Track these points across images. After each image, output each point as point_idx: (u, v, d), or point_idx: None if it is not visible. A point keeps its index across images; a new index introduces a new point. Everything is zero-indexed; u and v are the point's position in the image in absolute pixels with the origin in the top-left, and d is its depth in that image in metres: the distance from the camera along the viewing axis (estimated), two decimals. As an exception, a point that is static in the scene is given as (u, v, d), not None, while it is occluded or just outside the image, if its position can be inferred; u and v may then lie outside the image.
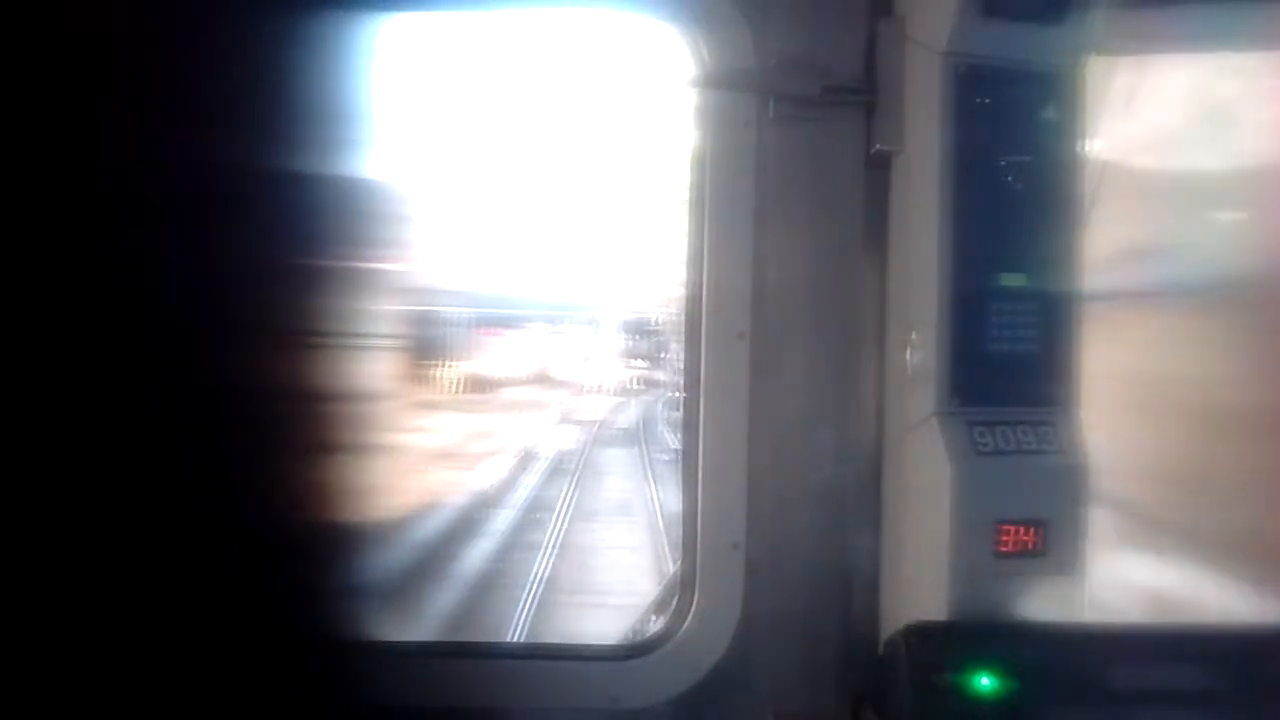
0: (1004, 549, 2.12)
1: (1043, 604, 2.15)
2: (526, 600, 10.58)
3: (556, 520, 14.06)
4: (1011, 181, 2.16)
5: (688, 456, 2.40)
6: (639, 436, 20.86)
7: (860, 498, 2.35)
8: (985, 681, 2.03)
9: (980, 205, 2.16)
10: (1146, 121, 2.62)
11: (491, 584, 11.27)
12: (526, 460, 17.86)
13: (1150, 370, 2.71)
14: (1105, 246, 2.38)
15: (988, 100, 2.16)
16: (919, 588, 2.17)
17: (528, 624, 9.69)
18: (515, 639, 9.06)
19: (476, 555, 12.26)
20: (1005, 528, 2.13)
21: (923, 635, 2.11)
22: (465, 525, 13.35)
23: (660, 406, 22.91)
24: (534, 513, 14.51)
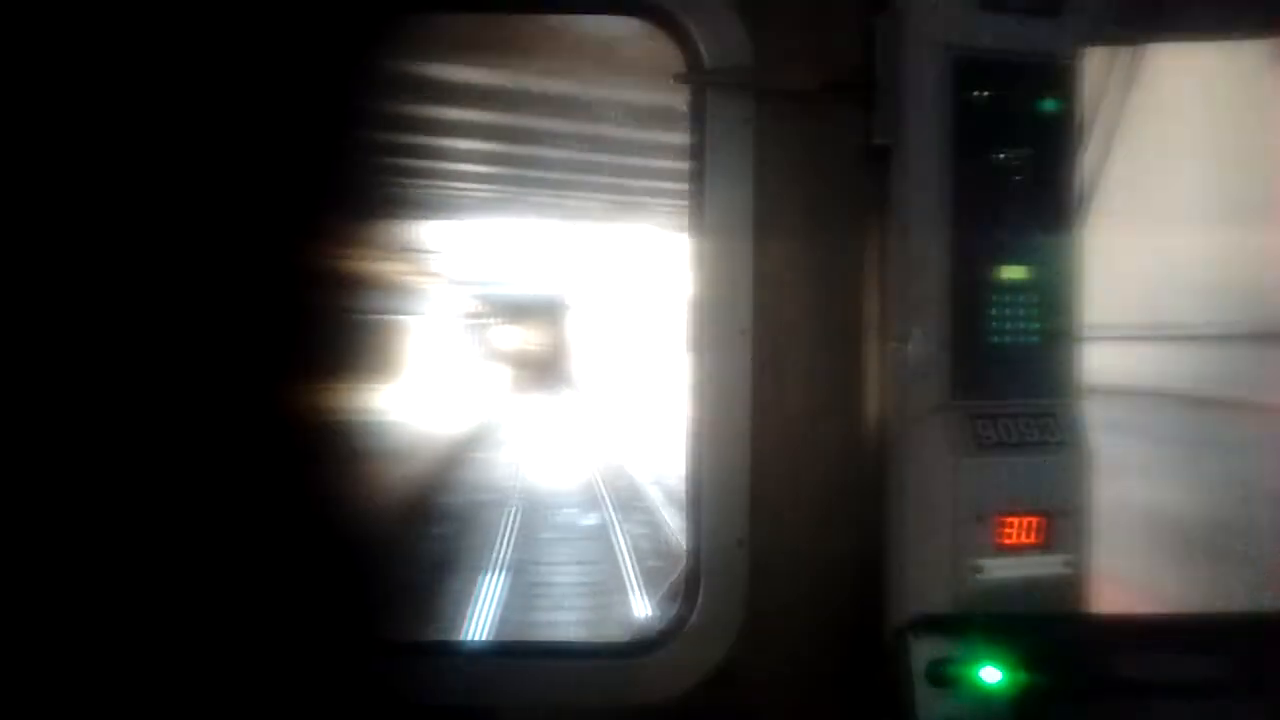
0: (1008, 541, 2.13)
1: (1047, 595, 2.16)
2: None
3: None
4: (1010, 173, 2.16)
5: (691, 454, 2.40)
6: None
7: (863, 492, 2.35)
8: (991, 673, 2.03)
9: (980, 197, 2.16)
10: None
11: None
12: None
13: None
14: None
15: (986, 92, 2.16)
16: (923, 581, 2.18)
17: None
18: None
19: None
20: (1009, 520, 2.13)
21: (928, 628, 2.11)
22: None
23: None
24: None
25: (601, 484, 16.38)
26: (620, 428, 21.57)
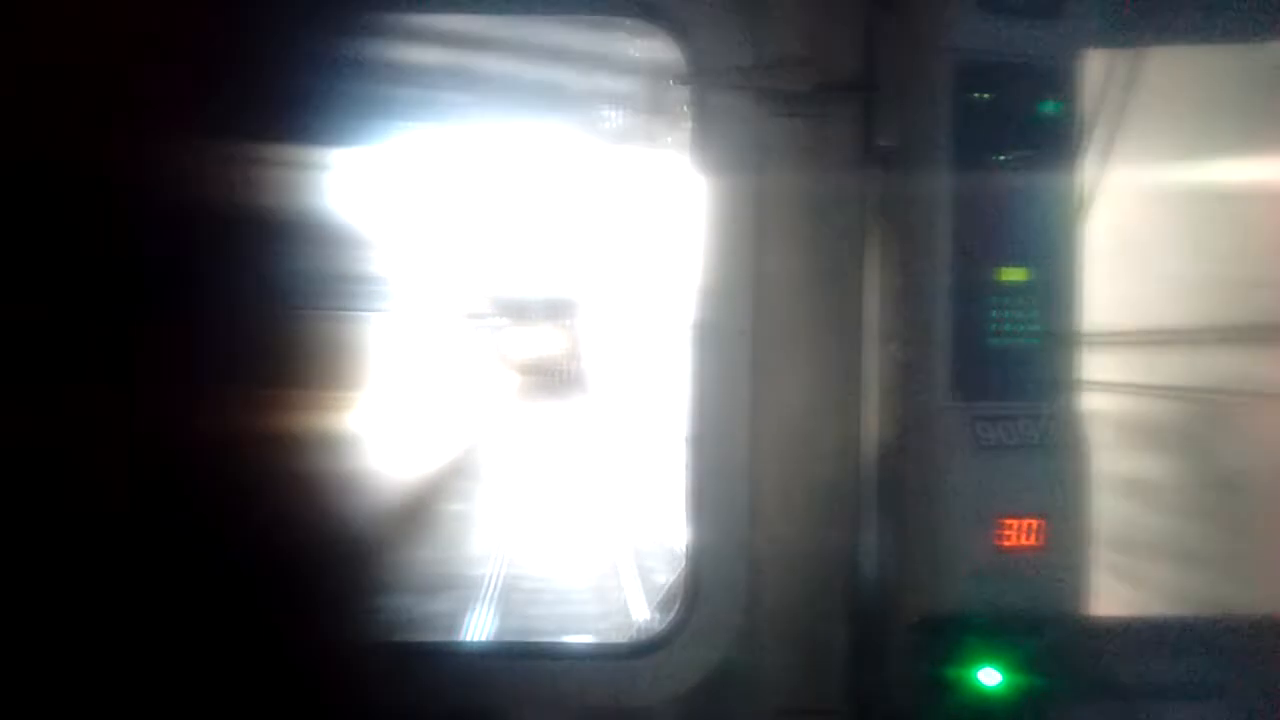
0: (1008, 543, 2.12)
1: (1047, 597, 2.15)
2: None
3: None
4: (1011, 175, 2.17)
5: (691, 455, 2.41)
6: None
7: (863, 493, 2.35)
8: (990, 675, 2.03)
9: (980, 199, 2.16)
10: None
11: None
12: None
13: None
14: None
15: (986, 94, 2.16)
16: (923, 583, 2.17)
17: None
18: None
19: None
20: (1009, 522, 2.13)
21: (927, 630, 2.11)
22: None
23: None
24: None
25: (627, 562, 9.39)
26: (645, 449, 13.92)
